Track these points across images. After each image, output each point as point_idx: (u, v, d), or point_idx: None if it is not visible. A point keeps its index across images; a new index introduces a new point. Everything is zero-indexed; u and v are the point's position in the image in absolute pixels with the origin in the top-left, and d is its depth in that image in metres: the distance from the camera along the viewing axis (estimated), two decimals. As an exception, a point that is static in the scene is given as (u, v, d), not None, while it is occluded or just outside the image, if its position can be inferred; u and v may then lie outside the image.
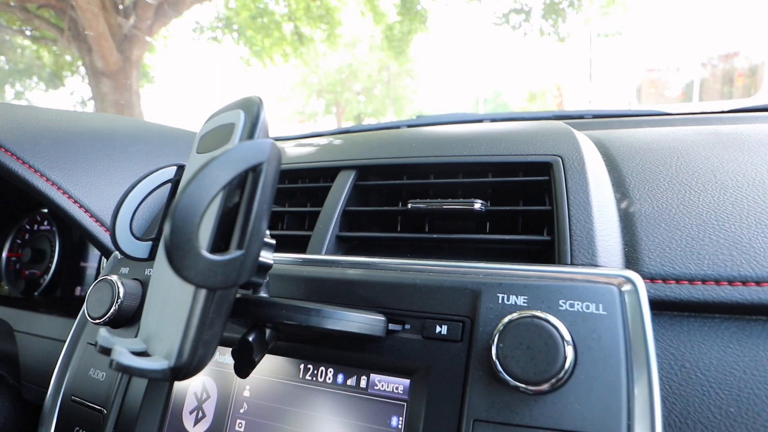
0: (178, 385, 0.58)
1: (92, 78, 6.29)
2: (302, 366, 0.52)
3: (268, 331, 0.48)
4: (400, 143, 0.71)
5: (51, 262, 1.16)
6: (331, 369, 0.51)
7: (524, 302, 0.45)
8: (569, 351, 0.40)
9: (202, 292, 0.36)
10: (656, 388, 0.40)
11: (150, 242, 0.50)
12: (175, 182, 0.51)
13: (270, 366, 0.54)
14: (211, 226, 0.35)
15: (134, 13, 6.32)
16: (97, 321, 0.61)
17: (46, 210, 1.21)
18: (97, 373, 0.61)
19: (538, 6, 8.77)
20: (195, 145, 0.47)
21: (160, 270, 0.46)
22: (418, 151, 0.67)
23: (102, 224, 0.74)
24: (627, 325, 0.43)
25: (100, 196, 0.75)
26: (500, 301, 0.46)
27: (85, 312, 0.63)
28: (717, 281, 0.47)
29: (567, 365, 0.39)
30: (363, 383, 0.49)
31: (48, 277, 1.13)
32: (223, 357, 0.57)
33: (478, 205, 0.57)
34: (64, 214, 0.72)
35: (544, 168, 0.60)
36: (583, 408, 0.40)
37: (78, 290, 1.13)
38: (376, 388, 0.49)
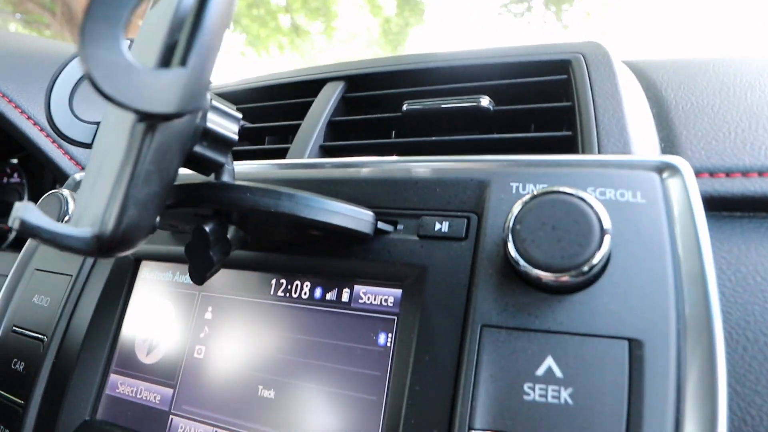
0: (131, 311, 0.49)
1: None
2: (274, 281, 0.44)
3: (231, 229, 0.40)
4: (392, 58, 0.63)
5: (18, 216, 1.07)
6: (307, 282, 0.43)
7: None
8: (606, 238, 0.31)
9: (139, 129, 0.28)
10: (713, 286, 0.32)
11: (94, 125, 0.41)
12: None
13: (236, 282, 0.45)
14: (160, 39, 0.27)
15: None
16: (40, 239, 0.52)
17: (15, 161, 1.12)
18: (41, 299, 0.53)
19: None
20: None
21: (99, 142, 0.38)
22: (411, 60, 0.59)
23: (59, 145, 0.65)
24: (672, 215, 0.35)
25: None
26: (514, 191, 0.38)
27: (29, 231, 0.54)
28: (776, 173, 0.39)
29: (602, 251, 0.31)
30: (345, 296, 0.41)
31: (14, 232, 1.05)
32: (183, 277, 0.48)
33: (485, 101, 0.49)
34: (14, 132, 0.63)
35: (561, 67, 0.52)
36: (620, 309, 0.32)
37: (45, 243, 1.04)
38: (360, 301, 0.40)
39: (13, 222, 0.28)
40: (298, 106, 0.61)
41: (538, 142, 0.47)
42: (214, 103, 0.35)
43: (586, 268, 0.31)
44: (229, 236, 0.39)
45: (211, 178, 0.38)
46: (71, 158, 0.66)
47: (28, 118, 0.64)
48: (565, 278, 0.31)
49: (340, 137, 0.57)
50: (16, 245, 1.05)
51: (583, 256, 0.31)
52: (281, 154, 0.55)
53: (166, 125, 0.29)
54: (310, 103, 0.59)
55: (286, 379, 0.40)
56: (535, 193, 0.34)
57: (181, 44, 0.26)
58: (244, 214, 0.37)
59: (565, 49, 0.53)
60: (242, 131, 0.37)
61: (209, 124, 0.34)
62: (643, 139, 0.42)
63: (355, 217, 0.37)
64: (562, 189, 0.33)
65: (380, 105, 0.59)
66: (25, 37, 0.79)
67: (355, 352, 0.39)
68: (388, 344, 0.38)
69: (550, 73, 0.51)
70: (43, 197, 0.54)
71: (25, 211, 0.27)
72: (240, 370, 0.42)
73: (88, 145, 0.42)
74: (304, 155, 0.52)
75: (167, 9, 0.25)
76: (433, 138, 0.49)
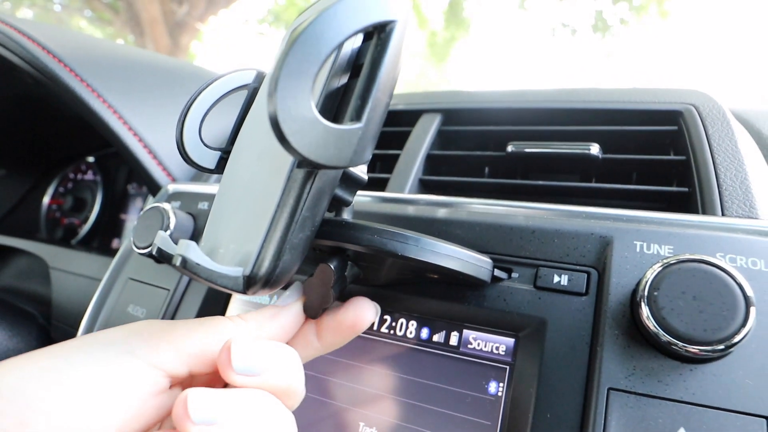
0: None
1: (141, 61, 6.41)
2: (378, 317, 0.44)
3: (348, 265, 0.40)
4: (492, 93, 0.63)
5: (91, 212, 1.11)
6: (414, 321, 0.43)
7: (669, 252, 0.36)
8: (752, 312, 0.31)
9: (299, 176, 0.29)
10: None
11: (218, 152, 0.43)
12: (252, 90, 0.44)
13: (338, 314, 0.46)
14: (318, 89, 0.28)
15: (188, 1, 6.43)
16: (143, 251, 0.54)
17: (92, 159, 1.17)
18: (137, 309, 0.55)
19: (588, 20, 8.56)
20: (282, 46, 0.40)
21: (234, 174, 0.39)
22: (512, 98, 0.59)
23: (154, 156, 0.68)
24: (809, 289, 0.34)
25: (156, 128, 0.69)
26: (638, 250, 0.37)
27: (131, 241, 0.56)
28: None
29: (748, 326, 0.30)
30: (454, 340, 0.41)
31: (87, 227, 1.09)
32: (281, 301, 0.49)
33: (595, 149, 0.48)
34: (115, 141, 0.66)
35: (671, 118, 0.51)
36: (758, 385, 0.31)
37: (115, 242, 1.08)
38: (469, 346, 0.40)
39: (176, 259, 0.29)
40: (391, 136, 0.62)
41: (648, 194, 0.46)
42: None
43: (732, 342, 0.30)
44: (345, 272, 0.40)
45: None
46: (164, 169, 0.69)
47: (130, 129, 0.67)
48: (706, 351, 0.31)
49: (435, 170, 0.57)
50: (86, 241, 1.09)
51: (728, 330, 0.30)
52: (379, 182, 0.55)
53: (325, 172, 0.30)
54: (402, 133, 0.60)
55: (390, 418, 0.40)
56: (672, 260, 0.33)
57: (356, 101, 0.27)
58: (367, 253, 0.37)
59: (674, 99, 0.52)
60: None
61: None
62: (766, 201, 0.41)
63: (476, 264, 0.38)
64: (703, 258, 0.32)
65: (475, 140, 0.59)
66: (124, 47, 0.83)
67: (463, 398, 0.39)
68: (499, 393, 0.38)
69: (659, 122, 0.51)
70: (145, 209, 0.57)
71: (188, 249, 0.29)
72: (341, 404, 0.42)
73: (213, 171, 0.43)
74: (405, 188, 0.52)
75: (336, 37, 0.25)
76: (540, 182, 0.48)
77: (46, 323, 0.75)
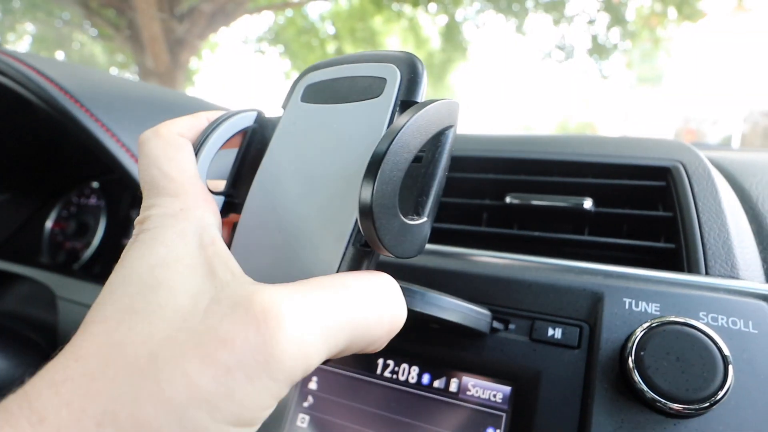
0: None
1: (142, 76, 6.47)
2: (381, 361, 0.47)
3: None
4: (489, 139, 0.66)
5: (93, 237, 1.13)
6: (415, 367, 0.45)
7: (656, 310, 0.39)
8: (729, 373, 0.33)
9: (358, 255, 0.30)
10: (829, 427, 0.33)
11: (222, 197, 0.41)
12: (252, 131, 0.43)
13: (343, 357, 0.48)
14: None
15: (189, 20, 6.51)
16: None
17: (96, 184, 1.19)
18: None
19: (584, 43, 8.72)
20: (297, 93, 0.40)
21: (260, 225, 0.39)
22: (510, 146, 0.62)
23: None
24: (784, 348, 0.36)
25: (166, 165, 0.72)
26: (627, 307, 0.40)
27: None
28: None
29: (727, 386, 0.33)
30: (453, 387, 0.43)
31: (89, 252, 1.11)
32: (289, 343, 0.51)
33: (588, 203, 0.51)
34: (119, 168, 0.68)
35: (659, 174, 0.54)
36: (737, 440, 0.34)
37: (119, 268, 1.09)
38: (468, 393, 0.43)
39: None
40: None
41: (637, 248, 0.49)
42: None
43: (710, 403, 0.33)
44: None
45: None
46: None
47: (132, 156, 0.69)
48: (688, 409, 0.33)
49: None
50: (88, 266, 1.11)
51: (708, 390, 0.33)
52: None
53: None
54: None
55: (392, 460, 0.42)
56: (657, 322, 0.36)
57: (421, 196, 0.29)
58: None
59: (662, 154, 0.55)
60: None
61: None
62: (747, 260, 0.44)
63: (476, 317, 0.40)
64: (685, 321, 0.35)
65: (470, 187, 0.62)
66: (131, 82, 0.86)
67: (462, 443, 0.41)
68: (496, 440, 0.40)
69: (648, 177, 0.54)
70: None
71: None
72: (345, 445, 0.44)
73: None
74: (407, 235, 0.55)
75: (411, 151, 0.27)
76: (536, 233, 0.51)
77: (51, 352, 0.76)
